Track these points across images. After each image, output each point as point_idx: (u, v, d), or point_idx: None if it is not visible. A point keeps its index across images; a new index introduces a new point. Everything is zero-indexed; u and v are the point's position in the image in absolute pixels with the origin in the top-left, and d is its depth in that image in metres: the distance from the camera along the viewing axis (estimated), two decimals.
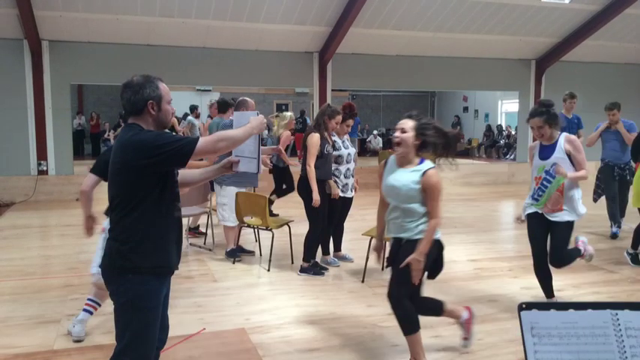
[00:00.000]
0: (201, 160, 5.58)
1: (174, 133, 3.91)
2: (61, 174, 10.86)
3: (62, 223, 8.47)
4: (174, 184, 2.66)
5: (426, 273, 3.53)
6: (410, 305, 3.47)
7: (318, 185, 5.47)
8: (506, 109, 21.98)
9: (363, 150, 20.72)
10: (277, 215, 7.81)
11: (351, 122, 6.15)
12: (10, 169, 10.48)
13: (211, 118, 10.26)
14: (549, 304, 1.68)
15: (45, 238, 7.77)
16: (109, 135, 18.99)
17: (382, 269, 5.83)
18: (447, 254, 6.49)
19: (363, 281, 5.45)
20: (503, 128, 21.49)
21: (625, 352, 1.62)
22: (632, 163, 7.09)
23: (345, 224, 6.34)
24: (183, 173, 2.78)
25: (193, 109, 13.61)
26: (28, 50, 10.39)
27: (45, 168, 10.74)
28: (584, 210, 4.47)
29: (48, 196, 10.64)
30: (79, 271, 5.82)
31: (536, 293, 5.14)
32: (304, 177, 5.54)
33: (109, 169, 2.61)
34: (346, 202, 6.09)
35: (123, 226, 2.53)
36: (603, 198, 7.43)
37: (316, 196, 5.42)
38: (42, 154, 10.70)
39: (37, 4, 9.58)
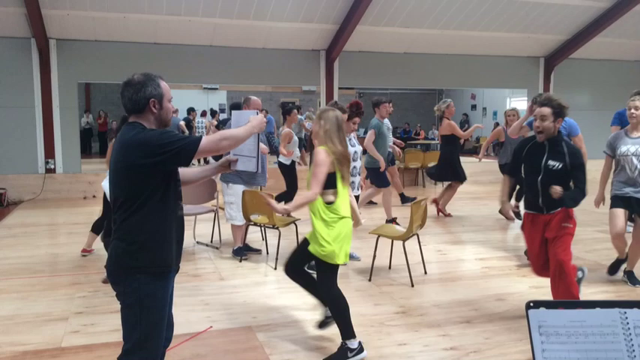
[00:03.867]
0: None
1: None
2: (68, 172, 10.90)
3: (70, 221, 8.50)
4: (177, 182, 2.67)
5: None
6: None
7: None
8: (515, 106, 21.89)
9: None
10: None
11: (357, 120, 6.13)
12: (18, 167, 10.52)
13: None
14: (557, 302, 1.67)
15: (53, 236, 7.80)
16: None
17: (389, 268, 5.82)
18: (455, 253, 6.52)
19: (370, 280, 5.44)
20: None
21: (634, 350, 1.61)
22: None
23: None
24: (182, 172, 2.77)
25: (300, 108, 14.02)
26: (35, 49, 10.43)
27: (52, 166, 10.78)
28: None
29: (56, 194, 10.69)
30: (86, 269, 5.84)
31: (545, 292, 5.12)
32: None
33: (110, 169, 2.60)
34: None
35: (128, 227, 2.52)
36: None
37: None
38: (49, 153, 10.75)
39: (44, 3, 9.62)
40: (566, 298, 3.98)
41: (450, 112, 8.50)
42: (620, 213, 5.10)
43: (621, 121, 7.45)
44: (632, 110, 5.06)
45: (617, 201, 5.15)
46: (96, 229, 6.11)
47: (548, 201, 4.05)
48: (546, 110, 3.96)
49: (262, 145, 6.59)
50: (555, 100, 4.00)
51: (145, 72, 2.62)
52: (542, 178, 4.04)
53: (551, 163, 4.01)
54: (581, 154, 4.05)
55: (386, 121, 8.05)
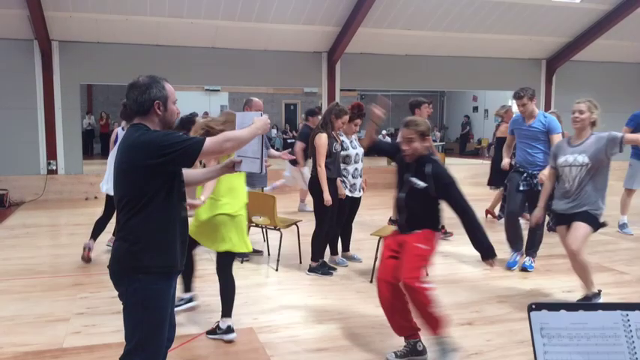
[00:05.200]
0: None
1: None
2: (70, 173, 10.92)
3: (72, 222, 8.51)
4: (181, 183, 2.67)
5: None
6: None
7: (328, 184, 5.47)
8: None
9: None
10: None
11: (359, 122, 6.14)
12: (20, 168, 10.54)
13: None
14: (559, 304, 1.67)
15: (55, 237, 7.81)
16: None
17: None
18: (457, 255, 6.51)
19: (371, 281, 5.43)
20: None
21: (635, 353, 1.61)
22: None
23: (354, 224, 6.33)
24: (186, 173, 2.79)
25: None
26: (38, 50, 10.45)
27: (54, 167, 10.80)
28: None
29: (57, 195, 10.71)
30: (88, 270, 5.85)
31: (547, 293, 5.12)
32: (315, 177, 5.56)
33: (114, 170, 2.61)
34: (354, 202, 6.08)
35: (131, 227, 2.53)
36: None
37: (327, 197, 5.43)
38: (52, 154, 10.77)
39: (47, 5, 9.64)
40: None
41: (509, 116, 8.93)
42: (565, 232, 4.63)
43: (637, 122, 7.41)
44: (577, 114, 4.52)
45: (558, 218, 4.72)
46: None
47: (410, 220, 3.75)
48: (411, 133, 3.65)
49: (286, 153, 6.84)
50: (419, 122, 3.73)
51: (150, 74, 2.64)
52: (407, 196, 3.73)
53: (414, 180, 3.68)
54: (447, 175, 3.63)
55: None
